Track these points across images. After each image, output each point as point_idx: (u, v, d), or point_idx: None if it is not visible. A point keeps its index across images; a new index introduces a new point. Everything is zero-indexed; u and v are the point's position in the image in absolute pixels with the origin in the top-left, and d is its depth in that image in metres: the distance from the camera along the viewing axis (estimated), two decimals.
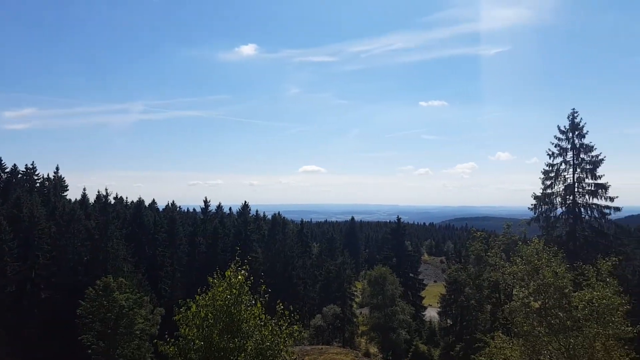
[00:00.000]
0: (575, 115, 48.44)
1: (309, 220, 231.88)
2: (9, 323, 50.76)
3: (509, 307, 22.12)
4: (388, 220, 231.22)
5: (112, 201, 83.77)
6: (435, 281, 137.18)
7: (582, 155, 47.97)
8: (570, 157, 48.55)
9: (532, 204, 50.39)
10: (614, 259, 20.39)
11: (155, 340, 14.97)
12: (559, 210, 49.67)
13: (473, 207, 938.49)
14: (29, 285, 54.83)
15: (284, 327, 13.76)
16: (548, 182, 49.60)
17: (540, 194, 49.89)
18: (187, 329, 13.37)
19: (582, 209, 48.54)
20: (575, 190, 48.26)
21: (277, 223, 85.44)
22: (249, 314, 13.55)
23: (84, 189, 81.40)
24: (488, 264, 41.27)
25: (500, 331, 26.83)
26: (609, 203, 47.29)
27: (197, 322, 13.39)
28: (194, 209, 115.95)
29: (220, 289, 13.52)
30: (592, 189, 47.65)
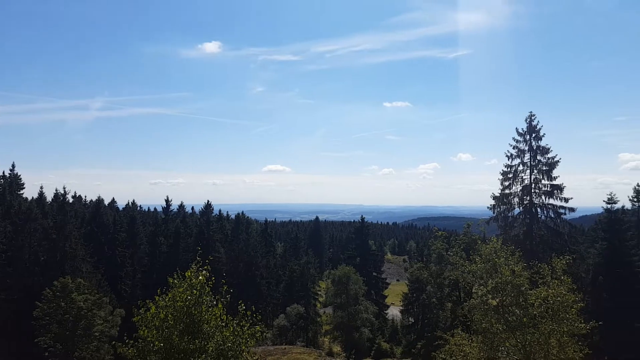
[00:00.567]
0: (533, 118, 49.87)
1: (273, 219, 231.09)
2: None
3: (468, 305, 22.61)
4: (352, 220, 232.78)
5: (71, 200, 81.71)
6: (398, 280, 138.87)
7: (538, 157, 49.43)
8: (528, 159, 49.95)
9: (491, 204, 51.60)
10: (568, 257, 21.04)
11: (113, 342, 14.65)
12: (517, 210, 51.05)
13: (435, 206, 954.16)
14: None
15: (245, 328, 13.66)
16: (506, 183, 50.87)
17: (499, 195, 51.13)
18: (146, 331, 13.12)
19: (539, 209, 50.01)
20: (532, 190, 49.67)
21: (241, 223, 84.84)
22: (210, 314, 13.40)
23: (41, 187, 78.97)
24: (449, 262, 42.10)
25: (459, 328, 27.38)
26: (564, 203, 48.92)
27: (157, 324, 13.16)
28: (155, 209, 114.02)
29: (181, 289, 13.32)
30: (548, 189, 49.14)
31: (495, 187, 51.42)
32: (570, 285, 19.85)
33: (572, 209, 49.08)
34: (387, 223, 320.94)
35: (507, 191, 50.94)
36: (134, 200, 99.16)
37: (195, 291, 13.27)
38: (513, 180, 50.73)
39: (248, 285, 72.34)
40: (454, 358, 21.20)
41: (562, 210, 48.97)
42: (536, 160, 49.51)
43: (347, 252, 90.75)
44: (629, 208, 51.63)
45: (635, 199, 51.90)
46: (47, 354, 39.00)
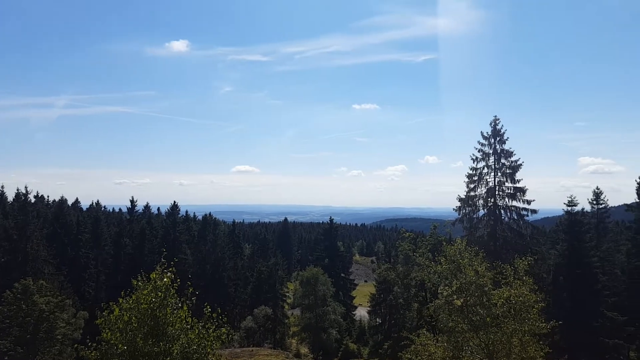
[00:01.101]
0: (497, 122, 50.97)
1: (241, 221, 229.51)
2: None
3: (433, 305, 22.93)
4: (321, 221, 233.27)
5: (32, 200, 79.41)
6: (365, 281, 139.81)
7: (502, 160, 50.51)
8: (492, 162, 50.99)
9: (457, 206, 52.45)
10: (529, 258, 21.56)
11: (76, 345, 14.33)
12: (481, 212, 52.01)
13: (403, 208, 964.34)
14: None
15: (211, 330, 13.55)
16: (471, 185, 51.81)
17: (464, 197, 52.01)
18: (109, 333, 12.89)
19: (502, 211, 51.10)
20: (496, 193, 50.73)
21: (208, 224, 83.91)
22: (175, 317, 13.23)
23: (2, 187, 76.74)
24: (416, 263, 42.60)
25: (425, 328, 27.75)
26: (526, 205, 50.12)
27: (120, 326, 12.95)
28: (120, 209, 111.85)
29: (145, 291, 13.12)
30: (512, 192, 50.28)
31: (461, 189, 52.36)
32: (531, 285, 20.32)
33: (534, 211, 50.33)
34: (356, 224, 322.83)
35: (472, 193, 51.85)
36: (98, 201, 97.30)
37: (160, 293, 13.10)
38: (478, 183, 51.67)
39: (215, 287, 71.66)
40: (419, 358, 21.43)
41: (524, 212, 50.17)
42: (500, 163, 50.60)
43: (316, 253, 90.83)
44: (589, 210, 53.35)
45: (594, 202, 53.69)
46: (7, 358, 37.81)
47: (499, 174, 50.81)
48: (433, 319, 26.72)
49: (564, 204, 48.20)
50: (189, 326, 13.45)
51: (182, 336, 13.18)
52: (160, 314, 13.04)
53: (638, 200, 50.74)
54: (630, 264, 48.87)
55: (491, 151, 50.96)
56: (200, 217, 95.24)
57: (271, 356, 48.67)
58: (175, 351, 12.95)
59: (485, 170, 51.34)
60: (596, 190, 53.82)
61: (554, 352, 42.21)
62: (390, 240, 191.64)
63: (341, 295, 75.78)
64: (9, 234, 54.28)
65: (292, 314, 74.39)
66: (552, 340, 41.30)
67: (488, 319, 19.61)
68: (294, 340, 65.77)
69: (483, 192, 51.50)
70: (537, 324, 19.60)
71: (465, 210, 52.10)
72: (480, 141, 51.33)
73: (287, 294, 77.99)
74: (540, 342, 20.62)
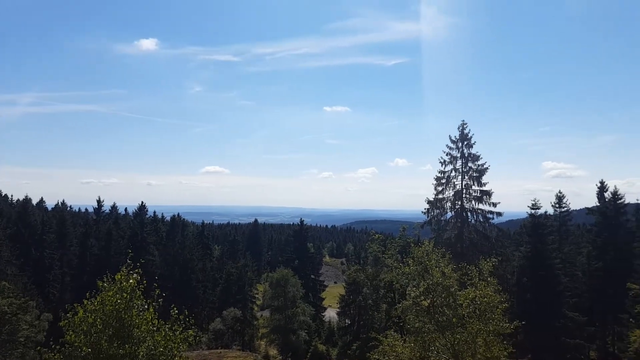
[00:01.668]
0: (465, 126, 51.90)
1: (211, 222, 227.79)
2: None
3: (401, 306, 23.21)
4: (291, 223, 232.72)
5: None
6: (335, 282, 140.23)
7: (469, 164, 51.44)
8: (460, 165, 51.85)
9: (425, 208, 53.13)
10: (494, 259, 22.02)
11: (39, 348, 14.04)
12: (449, 214, 52.81)
13: (373, 210, 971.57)
14: None
15: (178, 332, 13.44)
16: (440, 188, 52.58)
17: (432, 199, 52.74)
18: (73, 336, 12.69)
19: (469, 214, 52.02)
20: (463, 196, 51.62)
21: (176, 225, 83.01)
22: (140, 319, 13.09)
23: None
24: (385, 264, 43.10)
25: (393, 329, 28.07)
26: (492, 208, 51.13)
27: (85, 328, 12.76)
28: (86, 209, 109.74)
29: (111, 293, 12.96)
30: (478, 195, 51.24)
31: (430, 192, 53.11)
32: (496, 286, 20.74)
33: (499, 214, 51.39)
34: (326, 226, 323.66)
35: (440, 196, 52.62)
36: (63, 200, 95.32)
37: (125, 295, 12.94)
38: (446, 186, 52.46)
39: (183, 288, 70.85)
40: (387, 358, 21.65)
41: (490, 215, 51.18)
42: (467, 167, 51.51)
43: (286, 254, 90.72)
44: (551, 213, 54.86)
45: (556, 205, 55.23)
46: None
47: (466, 177, 51.71)
48: (401, 319, 27.03)
49: (528, 207, 49.50)
50: (155, 328, 13.32)
51: (148, 338, 13.05)
52: (126, 316, 12.89)
53: (598, 204, 52.48)
54: (591, 266, 50.49)
55: (459, 155, 51.83)
56: (168, 218, 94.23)
57: (239, 358, 48.37)
58: (141, 353, 12.81)
59: (453, 173, 52.18)
60: (558, 194, 55.38)
61: (518, 352, 43.17)
62: (360, 241, 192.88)
63: (311, 297, 75.86)
64: None
65: (262, 315, 74.06)
66: (516, 340, 42.20)
67: (454, 319, 19.92)
68: (263, 342, 65.49)
69: (451, 195, 52.31)
70: (501, 324, 19.96)
71: (434, 212, 52.84)
72: (449, 145, 52.18)
73: (257, 296, 77.66)
74: (504, 342, 21.01)
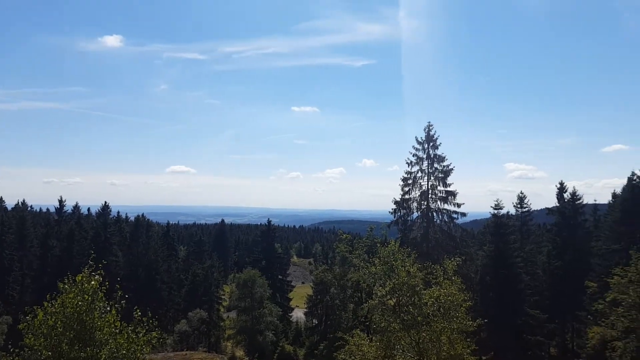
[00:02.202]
0: (431, 127, 52.77)
1: (176, 222, 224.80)
2: None
3: (367, 305, 23.42)
4: (259, 223, 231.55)
5: None
6: (303, 282, 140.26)
7: (435, 165, 52.34)
8: (426, 166, 52.72)
9: (392, 209, 53.79)
10: (458, 259, 22.47)
11: None
12: (415, 214, 53.64)
13: (341, 210, 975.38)
14: None
15: (141, 334, 13.23)
16: (406, 189, 53.31)
17: (399, 200, 53.44)
18: (32, 339, 12.35)
19: (435, 214, 52.92)
20: (429, 196, 52.47)
21: (141, 225, 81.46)
22: (102, 321, 12.83)
23: None
24: (352, 264, 43.34)
25: (359, 329, 28.27)
26: (456, 209, 52.21)
27: (45, 331, 12.43)
28: (48, 209, 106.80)
29: (72, 295, 12.65)
30: (443, 195, 52.18)
31: (397, 192, 53.78)
32: (460, 285, 21.14)
33: (463, 214, 52.46)
34: (294, 226, 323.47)
35: (407, 196, 53.35)
36: (24, 200, 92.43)
37: (87, 296, 12.66)
38: (412, 186, 53.22)
39: (148, 290, 69.69)
40: (353, 357, 21.81)
41: (455, 215, 52.20)
42: (433, 168, 52.38)
43: (253, 255, 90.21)
44: (513, 214, 56.23)
45: (518, 206, 56.63)
46: None
47: (432, 178, 52.58)
48: (367, 319, 27.28)
49: (491, 207, 50.59)
50: (117, 330, 13.07)
51: (110, 341, 12.80)
52: (87, 318, 12.62)
53: (558, 205, 54.07)
54: (551, 265, 51.95)
55: (425, 156, 52.65)
56: (132, 219, 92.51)
57: None
58: (103, 356, 12.56)
59: (419, 174, 53.00)
60: (520, 195, 56.79)
61: (481, 349, 44.07)
62: (327, 242, 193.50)
63: (278, 297, 75.65)
64: None
65: (228, 316, 73.46)
66: (479, 337, 43.08)
67: (419, 318, 20.19)
68: (229, 343, 64.97)
69: (417, 196, 53.10)
70: (464, 322, 20.32)
71: (400, 212, 53.54)
72: (415, 146, 52.96)
73: (223, 297, 77.00)
74: (468, 340, 21.43)
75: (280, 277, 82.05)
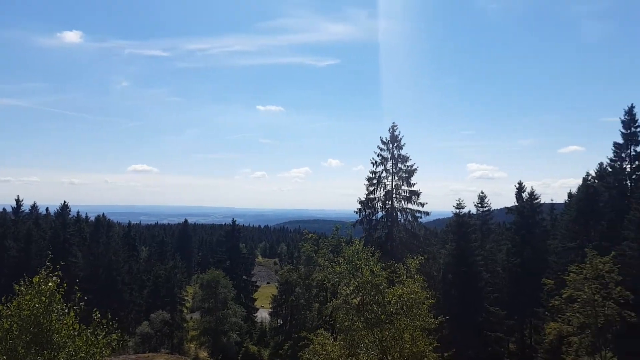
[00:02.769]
0: (395, 128, 53.39)
1: (138, 222, 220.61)
2: None
3: (332, 305, 23.52)
4: (223, 223, 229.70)
5: None
6: (268, 282, 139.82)
7: (399, 165, 52.98)
8: (390, 166, 53.29)
9: (357, 208, 54.16)
10: (420, 257, 22.81)
11: None
12: (380, 213, 54.16)
13: (307, 210, 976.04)
14: None
15: (100, 337, 12.94)
16: (371, 188, 53.78)
17: (364, 199, 53.85)
18: None
19: (399, 213, 53.58)
20: (394, 196, 53.08)
21: (101, 225, 79.53)
22: (60, 323, 12.48)
23: None
24: (317, 264, 43.44)
25: (323, 328, 28.39)
26: (420, 208, 52.95)
27: (0, 335, 12.02)
28: (4, 209, 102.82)
29: (28, 297, 12.27)
30: (407, 195, 52.87)
31: (362, 192, 54.18)
32: (422, 283, 21.48)
33: (427, 213, 53.27)
34: (259, 226, 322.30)
35: (371, 196, 53.80)
36: None
37: (44, 298, 12.30)
38: (377, 186, 53.71)
39: (109, 291, 68.17)
40: (317, 357, 21.87)
41: (418, 214, 52.95)
42: (397, 168, 53.00)
43: (217, 255, 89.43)
44: (474, 213, 57.52)
45: (479, 205, 58.00)
46: None
47: (396, 177, 53.18)
48: (331, 318, 27.41)
49: (453, 206, 51.58)
50: (76, 333, 12.75)
51: (68, 344, 12.47)
52: (45, 321, 12.26)
53: (517, 204, 55.61)
54: (510, 262, 53.37)
55: (389, 156, 53.23)
56: (92, 218, 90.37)
57: None
58: (61, 359, 12.24)
59: (384, 174, 53.52)
60: (481, 194, 58.21)
61: (443, 346, 44.83)
62: (293, 241, 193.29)
63: (243, 298, 75.22)
64: None
65: (192, 317, 72.59)
66: (441, 334, 43.83)
67: (382, 316, 20.39)
68: (192, 345, 64.24)
69: (382, 195, 53.62)
70: (427, 320, 20.61)
71: (365, 212, 53.96)
72: (380, 146, 53.46)
73: (186, 298, 76.01)
74: (430, 337, 21.75)
75: (244, 277, 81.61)
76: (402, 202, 53.11)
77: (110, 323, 13.36)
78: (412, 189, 52.62)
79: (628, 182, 47.19)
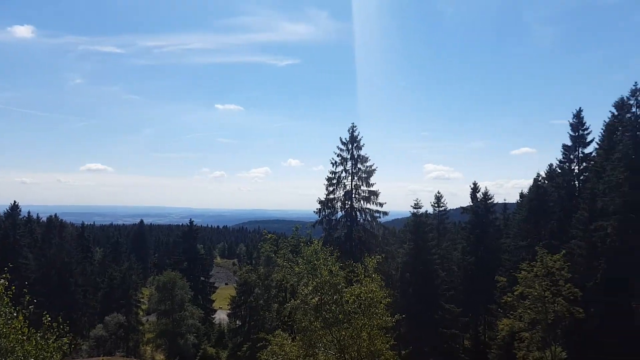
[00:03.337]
0: (355, 128, 53.84)
1: (92, 223, 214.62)
2: None
3: (290, 305, 23.53)
4: (181, 224, 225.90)
5: None
6: (226, 284, 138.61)
7: (359, 165, 53.44)
8: (350, 167, 53.70)
9: (317, 208, 54.32)
10: (378, 257, 23.11)
11: None
12: (340, 213, 54.48)
13: (266, 210, 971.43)
14: None
15: (51, 341, 12.55)
16: (331, 188, 54.05)
17: (324, 199, 54.07)
18: None
19: (358, 213, 54.04)
20: (353, 196, 53.52)
21: (53, 226, 77.10)
22: (8, 327, 12.02)
23: None
24: (277, 264, 43.35)
25: (281, 329, 28.35)
26: (379, 208, 53.55)
27: None
28: None
29: None
30: (366, 195, 53.40)
31: (322, 192, 54.35)
32: (380, 282, 21.76)
33: (385, 213, 53.95)
34: (218, 226, 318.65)
35: (331, 196, 54.07)
36: None
37: None
38: (337, 186, 54.01)
39: (61, 294, 66.14)
40: (275, 357, 21.85)
41: (377, 214, 53.54)
42: (357, 168, 53.46)
43: (174, 256, 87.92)
44: (431, 212, 58.69)
45: (435, 205, 59.19)
46: None
47: (356, 178, 53.63)
48: (290, 318, 27.39)
49: (411, 206, 52.50)
50: (25, 337, 12.30)
51: (17, 348, 12.02)
52: None
53: (471, 204, 57.08)
54: (465, 261, 54.76)
55: (349, 156, 53.62)
56: (44, 219, 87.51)
57: None
58: None
59: (344, 174, 53.88)
60: (437, 195, 59.41)
61: (400, 344, 45.63)
62: (252, 242, 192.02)
63: (200, 299, 74.25)
64: None
65: (148, 320, 71.22)
66: (399, 332, 44.60)
67: (340, 315, 20.55)
68: (148, 347, 63.04)
69: (341, 195, 53.95)
70: (384, 318, 20.91)
71: (325, 212, 54.18)
72: (339, 146, 53.79)
73: (142, 300, 74.60)
74: (387, 335, 22.07)
75: (202, 278, 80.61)
76: (362, 202, 53.60)
77: (62, 326, 12.97)
78: (371, 189, 53.19)
79: (576, 182, 49.16)
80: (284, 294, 45.61)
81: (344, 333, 20.62)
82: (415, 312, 45.65)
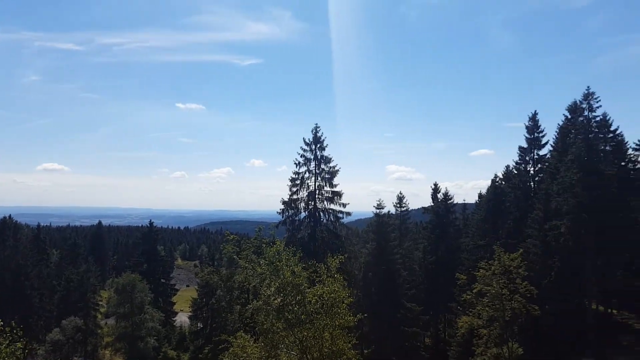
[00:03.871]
0: (318, 129, 54.01)
1: (48, 224, 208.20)
2: None
3: (252, 306, 23.44)
4: (140, 225, 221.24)
5: None
6: (188, 285, 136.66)
7: (322, 166, 53.61)
8: (313, 167, 53.81)
9: (280, 209, 54.20)
10: (341, 257, 23.27)
11: None
12: (303, 214, 54.52)
13: (229, 211, 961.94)
14: None
15: (4, 346, 12.16)
16: (294, 189, 54.03)
17: (287, 200, 53.99)
18: None
19: (322, 213, 54.20)
20: (316, 196, 53.66)
21: (7, 227, 74.17)
22: None
23: None
24: (239, 266, 43.06)
25: (244, 330, 28.22)
26: (342, 208, 53.82)
27: None
28: None
29: None
30: (330, 195, 53.63)
31: (285, 192, 54.25)
32: (342, 282, 21.92)
33: (348, 213, 54.30)
34: (179, 227, 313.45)
35: (295, 196, 54.04)
36: None
37: None
38: (300, 187, 54.02)
39: (16, 297, 63.98)
40: (237, 359, 21.74)
41: (340, 215, 53.82)
42: (320, 169, 53.62)
43: (133, 258, 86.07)
44: (394, 213, 59.45)
45: (397, 205, 60.01)
46: None
47: (319, 178, 53.79)
48: (252, 320, 27.27)
49: (374, 207, 53.07)
50: None
51: None
52: None
53: (433, 204, 58.13)
54: (426, 260, 55.70)
55: (312, 157, 53.72)
56: None
57: None
58: None
59: (307, 174, 53.93)
60: (399, 195, 60.27)
61: (363, 343, 46.04)
62: (214, 243, 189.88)
63: (161, 302, 73.03)
64: None
65: (106, 323, 69.48)
66: (362, 332, 44.99)
67: (303, 316, 20.58)
68: (107, 351, 61.63)
69: (305, 196, 54.00)
70: (346, 318, 21.07)
71: (289, 212, 54.11)
72: (303, 147, 53.83)
73: (101, 303, 72.69)
74: (350, 335, 22.24)
75: (163, 280, 79.31)
76: (325, 202, 53.77)
77: (15, 331, 12.59)
78: (335, 189, 53.44)
79: (531, 183, 50.75)
80: (246, 295, 45.32)
81: (306, 333, 20.68)
82: (377, 312, 46.16)
